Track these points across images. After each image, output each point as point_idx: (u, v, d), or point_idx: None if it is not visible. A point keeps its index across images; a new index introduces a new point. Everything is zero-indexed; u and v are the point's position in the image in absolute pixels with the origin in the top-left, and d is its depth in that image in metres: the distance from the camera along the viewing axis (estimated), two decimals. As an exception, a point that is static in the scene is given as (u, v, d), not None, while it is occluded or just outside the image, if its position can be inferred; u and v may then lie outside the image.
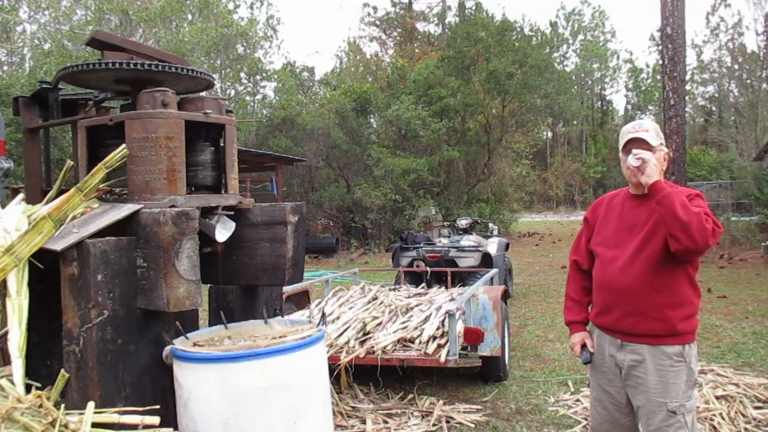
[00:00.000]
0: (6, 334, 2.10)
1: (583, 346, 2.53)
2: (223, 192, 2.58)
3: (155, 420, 1.96)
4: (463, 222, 8.53)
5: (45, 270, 2.18)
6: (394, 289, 5.82)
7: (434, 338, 4.19)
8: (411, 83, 19.90)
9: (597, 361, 2.47)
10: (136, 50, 2.50)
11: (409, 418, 3.94)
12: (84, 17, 20.91)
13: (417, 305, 4.96)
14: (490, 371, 4.60)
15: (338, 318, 4.66)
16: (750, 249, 13.38)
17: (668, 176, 10.35)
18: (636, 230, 2.33)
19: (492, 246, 7.91)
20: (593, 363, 2.49)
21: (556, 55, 41.44)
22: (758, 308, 7.41)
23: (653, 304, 2.26)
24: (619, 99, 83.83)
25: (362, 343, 4.22)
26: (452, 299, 5.03)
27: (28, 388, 2.01)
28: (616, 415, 2.44)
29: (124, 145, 2.26)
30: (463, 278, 6.95)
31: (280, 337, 2.35)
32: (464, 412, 4.04)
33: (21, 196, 2.62)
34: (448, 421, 3.88)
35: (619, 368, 2.38)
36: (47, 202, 2.40)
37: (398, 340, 4.21)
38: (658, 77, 33.43)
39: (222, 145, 2.57)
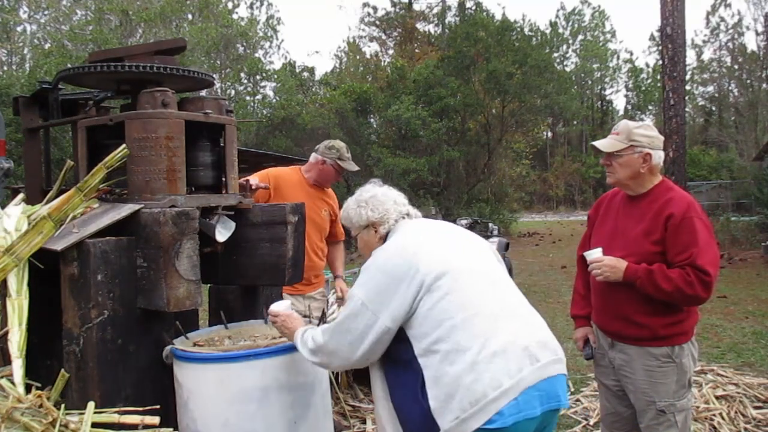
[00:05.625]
0: (6, 334, 2.10)
1: (586, 341, 2.57)
2: (223, 192, 2.59)
3: (155, 420, 1.96)
4: (463, 222, 8.54)
5: (45, 270, 2.18)
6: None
7: (434, 338, 4.18)
8: (411, 83, 19.90)
9: (597, 354, 2.54)
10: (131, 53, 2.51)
11: (409, 418, 3.93)
12: (84, 17, 20.92)
13: (417, 305, 4.95)
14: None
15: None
16: (750, 249, 13.38)
17: (669, 176, 10.37)
18: (626, 234, 2.36)
19: (492, 246, 7.90)
20: (595, 356, 2.55)
21: (556, 55, 41.44)
22: (758, 308, 7.40)
23: (635, 311, 2.30)
24: (619, 99, 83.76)
25: (362, 343, 4.21)
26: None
27: (28, 388, 2.01)
28: (617, 407, 2.50)
29: (124, 145, 2.26)
30: (463, 278, 6.93)
31: (280, 337, 2.35)
32: (464, 412, 4.04)
33: (21, 196, 2.62)
34: (448, 421, 3.87)
35: (612, 365, 2.44)
36: (47, 202, 2.40)
37: (398, 340, 4.20)
38: (658, 77, 33.43)
39: (222, 145, 2.57)
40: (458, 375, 1.63)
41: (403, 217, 2.04)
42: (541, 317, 1.91)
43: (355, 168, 3.72)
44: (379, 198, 2.06)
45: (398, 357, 1.76)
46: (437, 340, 1.68)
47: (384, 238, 2.01)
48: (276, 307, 2.13)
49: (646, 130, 2.36)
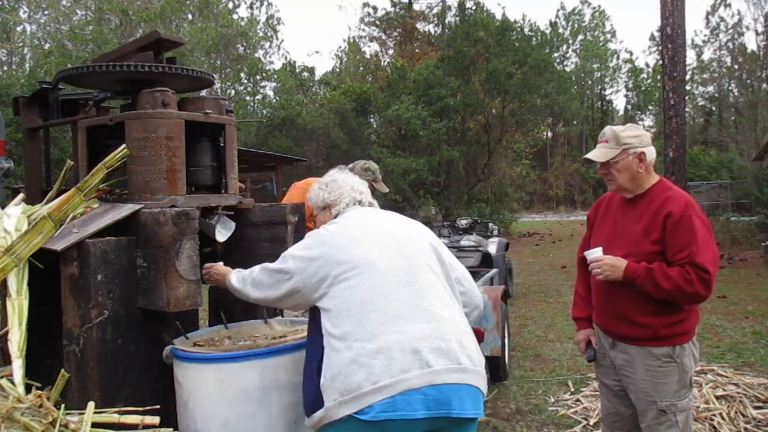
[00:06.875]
0: (6, 334, 2.10)
1: (588, 343, 2.58)
2: (223, 192, 2.59)
3: (155, 420, 1.96)
4: (463, 222, 8.54)
5: (45, 270, 2.18)
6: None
7: (434, 338, 4.18)
8: (411, 83, 19.90)
9: (598, 354, 2.55)
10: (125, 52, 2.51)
11: (409, 418, 3.93)
12: (84, 17, 20.93)
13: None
14: (490, 371, 4.60)
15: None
16: (750, 249, 13.38)
17: (669, 176, 10.37)
18: (625, 234, 2.37)
19: (492, 246, 7.90)
20: (596, 356, 2.56)
21: (556, 55, 41.34)
22: (758, 308, 7.41)
23: (636, 311, 2.30)
24: (619, 99, 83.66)
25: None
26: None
27: (28, 388, 2.01)
28: (618, 407, 2.50)
29: (124, 145, 2.26)
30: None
31: (280, 337, 2.35)
32: (464, 412, 4.03)
33: (21, 196, 2.62)
34: (448, 421, 3.87)
35: (613, 365, 2.45)
36: (47, 202, 2.40)
37: (398, 340, 4.21)
38: (658, 77, 33.39)
39: (222, 145, 2.57)
40: (342, 363, 1.74)
41: (355, 204, 2.15)
42: (464, 327, 1.91)
43: (386, 189, 4.05)
44: (338, 182, 2.20)
45: (313, 333, 1.92)
46: (335, 326, 1.81)
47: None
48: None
49: (632, 130, 2.38)
